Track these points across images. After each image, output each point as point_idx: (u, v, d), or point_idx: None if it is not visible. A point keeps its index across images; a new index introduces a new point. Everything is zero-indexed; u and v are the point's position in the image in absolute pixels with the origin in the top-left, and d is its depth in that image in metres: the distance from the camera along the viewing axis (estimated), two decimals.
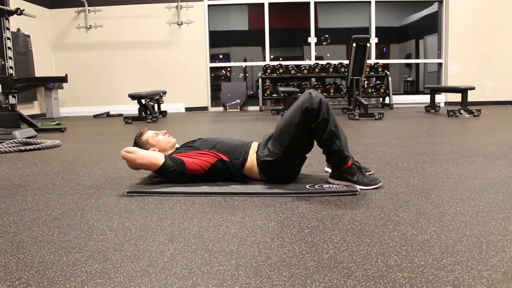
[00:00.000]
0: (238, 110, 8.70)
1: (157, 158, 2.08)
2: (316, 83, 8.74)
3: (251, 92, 9.33)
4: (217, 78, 9.29)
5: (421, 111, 7.14)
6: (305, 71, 8.47)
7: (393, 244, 1.30)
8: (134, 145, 2.25)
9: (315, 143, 2.05)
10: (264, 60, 8.87)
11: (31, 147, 3.60)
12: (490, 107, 7.60)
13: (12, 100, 4.67)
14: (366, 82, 8.48)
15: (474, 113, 6.05)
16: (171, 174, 2.08)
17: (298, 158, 2.11)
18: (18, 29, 7.05)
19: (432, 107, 7.02)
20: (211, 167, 2.09)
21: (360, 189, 1.97)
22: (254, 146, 2.16)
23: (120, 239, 1.41)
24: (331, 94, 8.41)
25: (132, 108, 6.90)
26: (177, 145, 2.31)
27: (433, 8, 8.95)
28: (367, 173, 2.11)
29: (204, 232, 1.46)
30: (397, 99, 8.68)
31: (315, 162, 2.64)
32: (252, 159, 2.10)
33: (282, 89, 7.11)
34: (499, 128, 4.62)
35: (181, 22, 8.42)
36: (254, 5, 8.91)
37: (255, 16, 9.12)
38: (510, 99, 8.49)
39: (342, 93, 8.33)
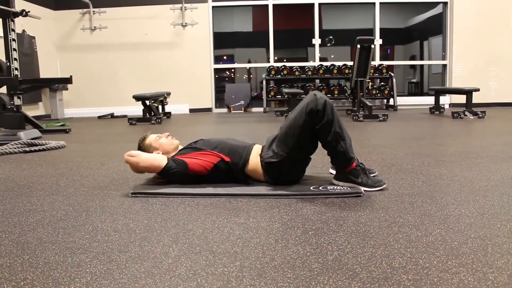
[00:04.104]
0: (242, 111, 8.71)
1: (160, 160, 2.09)
2: (320, 84, 8.73)
3: (255, 94, 9.34)
4: (221, 80, 9.30)
5: (425, 113, 7.12)
6: (309, 73, 8.46)
7: (397, 246, 1.30)
8: (138, 150, 2.26)
9: (319, 144, 2.05)
10: (268, 61, 8.88)
11: (36, 148, 3.62)
12: (495, 109, 7.57)
13: (17, 101, 4.70)
14: (370, 83, 8.46)
15: (479, 115, 6.03)
16: (174, 175, 2.09)
17: (303, 159, 2.11)
18: (23, 30, 7.09)
19: (436, 108, 7.00)
20: (213, 167, 2.09)
21: (364, 190, 1.96)
22: (256, 148, 2.16)
23: (125, 240, 1.41)
24: (335, 95, 8.40)
25: (137, 109, 6.92)
26: (180, 147, 2.32)
27: (438, 9, 8.93)
28: (372, 175, 2.10)
29: (208, 233, 1.46)
30: (402, 100, 8.66)
31: (319, 163, 2.64)
32: (255, 161, 2.10)
33: (286, 90, 7.11)
34: (504, 130, 4.59)
35: (186, 23, 8.44)
36: (258, 6, 8.92)
37: (259, 17, 9.13)
38: None
39: (346, 94, 8.31)
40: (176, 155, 2.17)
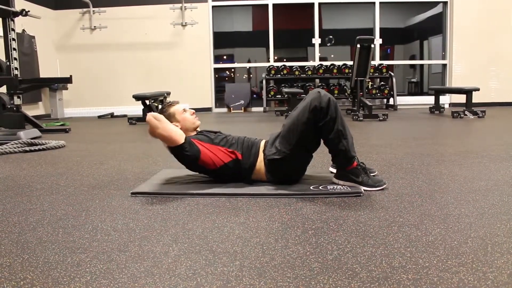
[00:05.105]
0: (242, 111, 8.71)
1: (179, 136, 2.02)
2: (320, 84, 8.73)
3: (257, 92, 9.33)
4: (221, 79, 9.30)
5: (425, 112, 7.12)
6: (309, 72, 8.46)
7: (397, 246, 1.30)
8: (159, 113, 2.15)
9: (322, 141, 2.05)
10: (268, 61, 8.88)
11: (36, 147, 3.61)
12: (495, 108, 7.57)
13: (17, 101, 4.69)
14: (370, 83, 8.46)
15: (479, 114, 6.02)
16: (184, 156, 2.06)
17: (305, 157, 2.11)
18: (23, 30, 7.09)
19: (436, 108, 7.00)
20: (223, 165, 2.08)
21: (364, 190, 1.96)
22: (262, 144, 2.15)
23: (125, 239, 1.41)
24: (335, 95, 8.38)
25: (136, 109, 6.92)
26: (198, 129, 2.28)
27: (438, 9, 8.92)
28: (372, 174, 2.10)
29: (208, 233, 1.46)
30: (401, 100, 8.65)
31: (319, 163, 2.64)
32: (259, 160, 2.10)
33: (286, 90, 7.11)
34: (504, 130, 4.59)
35: (185, 23, 8.44)
36: (258, 6, 8.91)
37: (259, 17, 9.13)
38: None
39: (346, 94, 8.31)
40: (193, 138, 2.11)
